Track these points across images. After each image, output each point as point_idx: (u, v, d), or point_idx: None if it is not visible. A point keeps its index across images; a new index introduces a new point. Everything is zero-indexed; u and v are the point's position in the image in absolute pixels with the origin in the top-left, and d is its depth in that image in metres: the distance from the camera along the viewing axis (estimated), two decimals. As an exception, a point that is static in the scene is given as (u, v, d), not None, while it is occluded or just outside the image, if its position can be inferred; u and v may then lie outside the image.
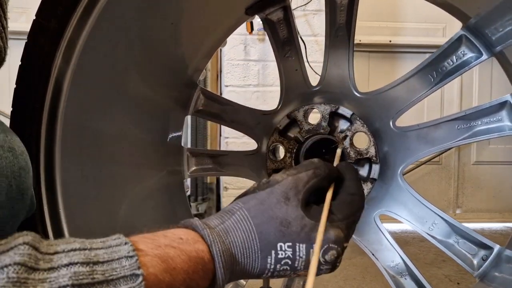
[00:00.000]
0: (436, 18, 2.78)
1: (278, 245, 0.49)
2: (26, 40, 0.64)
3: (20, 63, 0.64)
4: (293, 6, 2.40)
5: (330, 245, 0.50)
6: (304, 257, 0.49)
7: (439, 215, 0.80)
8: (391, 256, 0.83)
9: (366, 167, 0.82)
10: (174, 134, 0.89)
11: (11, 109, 0.65)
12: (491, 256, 0.77)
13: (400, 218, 0.83)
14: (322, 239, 0.49)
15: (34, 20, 0.62)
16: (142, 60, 0.78)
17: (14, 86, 0.64)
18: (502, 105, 0.75)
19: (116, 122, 0.78)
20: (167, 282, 0.41)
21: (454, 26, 2.62)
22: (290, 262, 0.49)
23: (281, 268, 0.49)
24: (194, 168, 0.93)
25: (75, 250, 0.38)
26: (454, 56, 0.77)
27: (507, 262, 0.75)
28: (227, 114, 0.90)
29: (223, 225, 0.49)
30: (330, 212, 0.53)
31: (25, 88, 0.64)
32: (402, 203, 0.83)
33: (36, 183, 0.64)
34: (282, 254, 0.49)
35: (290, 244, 0.49)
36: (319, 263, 0.50)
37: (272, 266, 0.49)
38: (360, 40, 2.78)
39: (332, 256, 0.50)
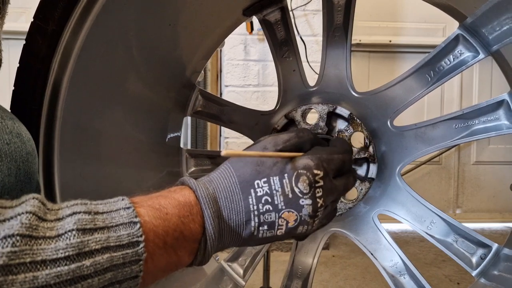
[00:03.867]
0: (436, 18, 2.78)
1: (255, 182, 0.52)
2: (24, 42, 0.64)
3: (18, 65, 0.64)
4: (293, 6, 2.40)
5: (299, 171, 0.53)
6: (279, 190, 0.52)
7: (437, 214, 0.80)
8: (390, 256, 0.83)
9: (364, 166, 0.82)
10: (172, 135, 0.89)
11: (9, 110, 0.65)
12: (490, 255, 0.77)
13: (398, 218, 0.83)
14: (291, 168, 0.53)
15: (32, 22, 0.63)
16: (140, 61, 0.78)
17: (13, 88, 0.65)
18: (499, 104, 0.75)
19: (115, 122, 0.78)
20: (162, 227, 0.45)
21: (454, 26, 2.62)
22: (269, 200, 0.52)
23: (264, 209, 0.52)
24: (193, 169, 0.94)
25: (77, 204, 0.42)
26: (451, 56, 0.77)
27: (505, 260, 0.75)
28: (226, 115, 0.91)
29: (208, 177, 0.54)
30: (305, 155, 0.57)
31: (23, 90, 0.64)
32: (400, 203, 0.83)
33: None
34: (260, 192, 0.52)
35: (265, 179, 0.53)
36: (297, 197, 0.53)
37: (255, 207, 0.51)
38: (360, 40, 2.78)
39: (304, 183, 0.53)
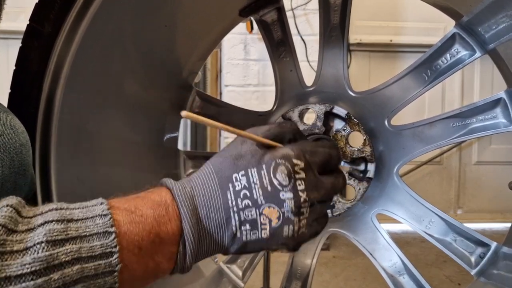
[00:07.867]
0: (437, 18, 2.77)
1: (233, 176, 0.49)
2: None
3: (14, 67, 0.64)
4: (293, 5, 2.40)
5: (277, 160, 0.50)
6: (257, 182, 0.49)
7: (435, 213, 0.80)
8: (389, 256, 0.83)
9: (362, 166, 0.82)
10: (169, 136, 0.89)
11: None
12: (488, 254, 0.77)
13: (397, 217, 0.82)
14: (269, 158, 0.50)
15: (27, 24, 0.63)
16: (137, 62, 0.78)
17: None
18: (496, 102, 0.75)
19: (112, 125, 0.78)
20: (137, 232, 0.43)
21: (453, 25, 2.62)
22: (248, 194, 0.48)
23: (243, 204, 0.48)
24: (191, 171, 0.93)
25: (51, 210, 0.40)
26: (447, 54, 0.77)
27: (504, 259, 0.75)
28: (223, 116, 0.91)
29: (188, 177, 0.51)
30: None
31: (20, 92, 0.65)
32: (399, 202, 0.82)
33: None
34: (238, 186, 0.49)
35: (243, 172, 0.49)
36: (277, 190, 0.49)
37: (234, 202, 0.48)
38: (361, 40, 2.78)
39: (282, 173, 0.49)
